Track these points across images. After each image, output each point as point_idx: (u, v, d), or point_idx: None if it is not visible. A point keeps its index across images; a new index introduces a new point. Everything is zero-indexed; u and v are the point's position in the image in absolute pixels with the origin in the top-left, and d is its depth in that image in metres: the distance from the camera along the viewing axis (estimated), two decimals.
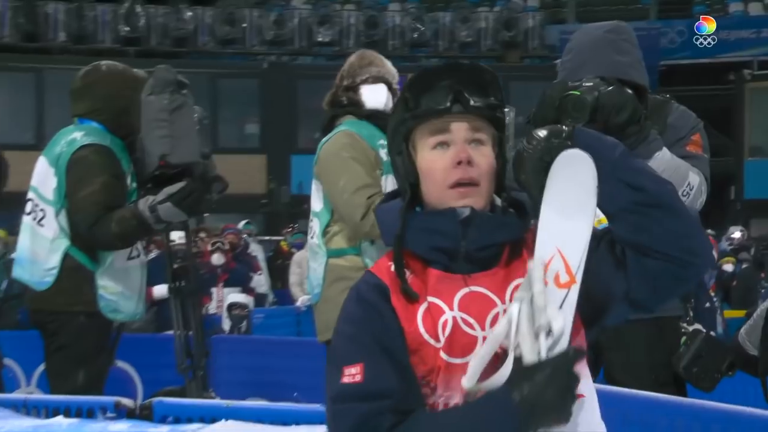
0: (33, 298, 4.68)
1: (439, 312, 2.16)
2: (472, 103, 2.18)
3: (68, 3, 22.24)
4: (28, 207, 4.68)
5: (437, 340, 2.14)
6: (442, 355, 2.13)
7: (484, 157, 2.19)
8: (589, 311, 2.17)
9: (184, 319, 4.75)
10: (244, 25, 22.48)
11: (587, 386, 2.18)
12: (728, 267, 12.81)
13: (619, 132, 3.69)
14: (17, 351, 6.50)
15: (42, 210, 4.62)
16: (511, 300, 2.16)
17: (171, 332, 4.96)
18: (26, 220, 4.68)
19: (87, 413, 3.90)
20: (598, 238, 2.18)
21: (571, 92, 3.66)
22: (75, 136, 4.64)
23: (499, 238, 2.19)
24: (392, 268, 2.19)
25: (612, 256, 2.18)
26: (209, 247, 11.21)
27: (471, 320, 2.15)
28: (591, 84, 3.66)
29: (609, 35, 3.85)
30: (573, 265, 2.14)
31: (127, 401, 3.89)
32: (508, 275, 2.20)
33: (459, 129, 2.18)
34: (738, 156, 24.15)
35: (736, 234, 15.58)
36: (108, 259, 4.59)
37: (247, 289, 11.23)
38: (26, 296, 4.80)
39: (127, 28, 21.92)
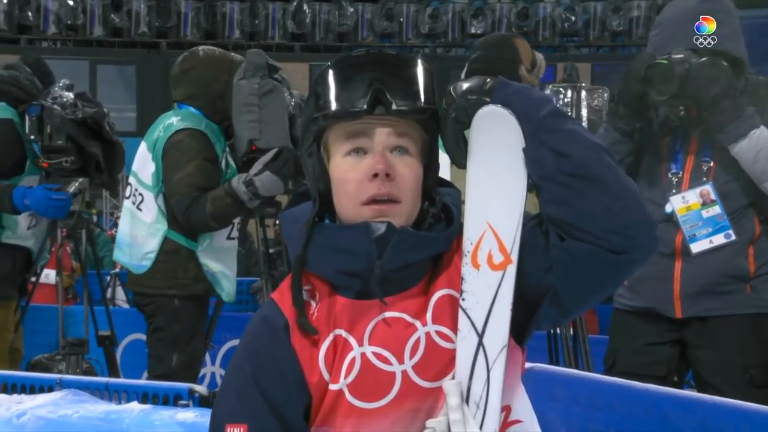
0: (132, 281, 4.49)
1: (346, 348, 1.71)
2: (395, 107, 1.69)
3: (242, 2, 22.47)
4: (128, 191, 4.47)
5: (337, 382, 1.71)
6: (349, 399, 1.70)
7: (408, 169, 1.72)
8: (519, 309, 1.71)
9: None
10: (402, 19, 22.28)
11: (525, 409, 1.75)
12: None
13: (711, 106, 3.20)
14: None
15: (140, 194, 4.40)
16: (433, 319, 1.71)
17: None
18: (126, 204, 4.49)
19: (163, 399, 3.67)
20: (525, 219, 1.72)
21: (657, 62, 3.17)
22: (172, 121, 4.41)
23: (420, 256, 1.72)
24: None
25: (541, 239, 1.71)
26: None
27: (386, 354, 1.71)
28: (681, 55, 3.17)
29: (703, 5, 3.34)
30: (507, 241, 1.70)
31: (200, 388, 3.64)
32: (430, 290, 1.74)
33: (379, 134, 1.71)
34: None
35: None
36: (207, 239, 4.34)
37: None
38: (127, 279, 4.60)
39: (294, 25, 22.01)
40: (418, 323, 1.72)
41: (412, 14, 22.40)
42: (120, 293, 9.94)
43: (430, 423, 1.69)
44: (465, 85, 1.73)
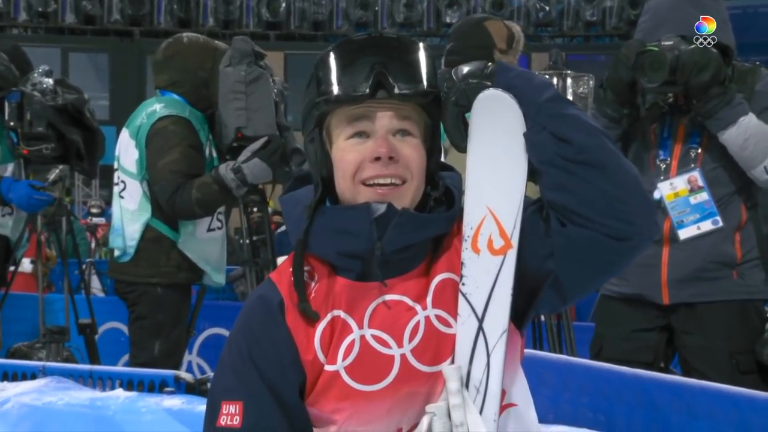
0: (113, 269, 4.45)
1: (345, 330, 1.71)
2: (397, 90, 1.68)
3: None
4: (115, 178, 4.44)
5: (334, 363, 1.71)
6: (347, 381, 1.70)
7: (413, 149, 1.72)
8: (518, 294, 1.71)
9: None
10: (377, 8, 22.22)
11: (521, 393, 1.74)
12: None
13: (700, 93, 3.23)
14: None
15: (123, 182, 4.36)
16: (433, 303, 1.71)
17: None
18: (115, 191, 4.45)
19: (148, 386, 3.65)
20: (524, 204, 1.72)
21: (648, 49, 3.19)
22: (155, 108, 4.37)
23: (421, 237, 1.72)
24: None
25: (541, 224, 1.71)
26: None
27: (385, 337, 1.71)
28: (671, 42, 3.19)
29: None
30: (507, 226, 1.70)
31: (186, 375, 3.63)
32: (430, 273, 1.74)
33: (382, 118, 1.70)
34: None
35: None
36: (189, 228, 4.31)
37: None
38: (109, 266, 4.57)
39: (269, 14, 21.89)
40: (418, 307, 1.72)
41: (387, 3, 22.34)
42: (95, 281, 9.89)
43: (430, 408, 1.69)
44: (466, 69, 1.73)
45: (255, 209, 4.90)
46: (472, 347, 1.70)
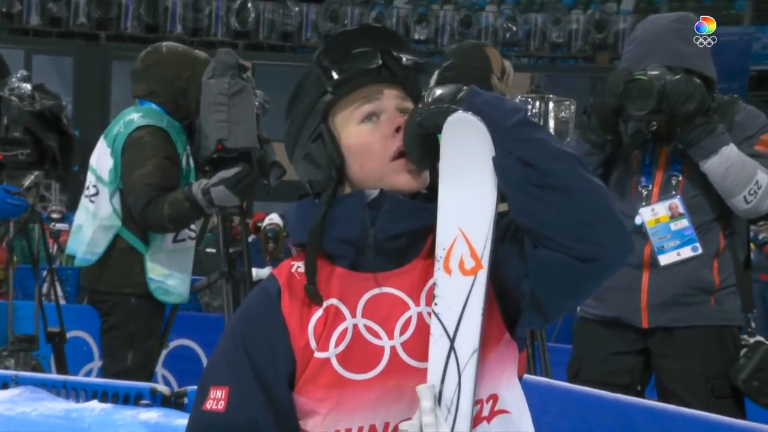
0: (85, 277, 4.41)
1: (338, 318, 1.75)
2: (404, 60, 1.77)
3: None
4: (87, 182, 4.40)
5: (326, 350, 1.74)
6: (337, 368, 1.74)
7: None
8: (508, 309, 1.75)
9: (234, 303, 4.42)
10: (346, 21, 22.30)
11: (516, 402, 1.76)
12: None
13: (685, 122, 3.29)
14: (92, 324, 6.24)
15: (95, 187, 4.33)
16: (426, 301, 1.75)
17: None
18: (84, 194, 4.41)
19: (123, 398, 3.62)
20: (504, 225, 1.76)
21: (636, 77, 3.25)
22: (132, 117, 4.34)
23: (412, 225, 1.76)
24: (294, 268, 1.79)
25: (517, 246, 1.74)
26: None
27: (376, 327, 1.75)
28: (657, 72, 3.25)
29: (675, 24, 3.42)
30: (478, 247, 1.73)
31: (162, 388, 3.60)
32: (426, 271, 1.78)
33: (389, 96, 1.78)
34: None
35: None
36: (157, 241, 4.28)
37: None
38: (80, 275, 4.53)
39: (237, 23, 21.86)
40: (411, 302, 1.76)
41: (357, 17, 22.43)
42: (57, 289, 9.76)
43: (403, 426, 1.71)
44: (438, 92, 1.76)
45: (230, 222, 4.87)
46: (444, 367, 1.73)
